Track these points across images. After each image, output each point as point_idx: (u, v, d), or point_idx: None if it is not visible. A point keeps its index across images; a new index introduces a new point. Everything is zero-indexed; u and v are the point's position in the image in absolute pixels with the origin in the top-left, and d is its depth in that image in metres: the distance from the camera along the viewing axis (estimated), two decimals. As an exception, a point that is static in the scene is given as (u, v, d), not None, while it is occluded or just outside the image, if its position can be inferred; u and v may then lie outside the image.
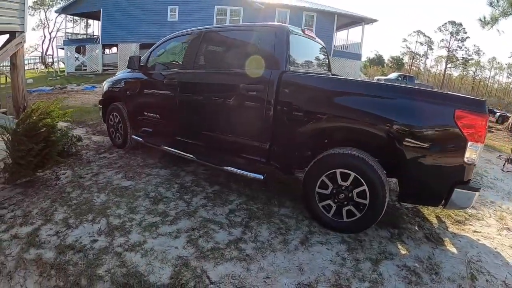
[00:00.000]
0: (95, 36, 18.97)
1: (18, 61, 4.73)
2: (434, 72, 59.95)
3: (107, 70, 18.16)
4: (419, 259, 2.37)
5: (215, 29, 3.85)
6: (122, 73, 5.03)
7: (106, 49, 19.21)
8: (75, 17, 20.15)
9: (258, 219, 2.88)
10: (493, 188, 4.32)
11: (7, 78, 6.81)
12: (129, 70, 4.43)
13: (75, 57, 18.54)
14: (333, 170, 2.53)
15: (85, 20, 20.78)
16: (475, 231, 2.94)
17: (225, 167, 3.29)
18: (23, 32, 4.48)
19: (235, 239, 2.53)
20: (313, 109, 2.71)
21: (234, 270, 2.13)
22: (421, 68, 59.42)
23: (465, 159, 2.23)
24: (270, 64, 2.89)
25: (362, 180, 2.42)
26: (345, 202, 2.55)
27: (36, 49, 35.81)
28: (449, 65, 53.85)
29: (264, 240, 2.52)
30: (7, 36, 4.32)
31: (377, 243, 2.56)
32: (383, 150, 2.47)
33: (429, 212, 3.25)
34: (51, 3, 30.48)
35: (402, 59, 57.44)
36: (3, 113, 5.29)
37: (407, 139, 2.32)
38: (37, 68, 25.67)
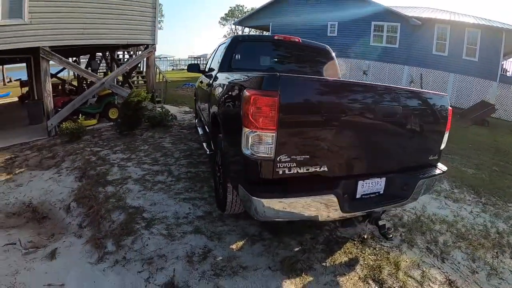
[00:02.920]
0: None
1: (150, 62, 8.63)
2: None
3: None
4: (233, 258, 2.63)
5: (224, 42, 5.40)
6: (204, 75, 7.48)
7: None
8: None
9: (192, 180, 4.33)
10: None
11: (162, 76, 11.46)
12: None
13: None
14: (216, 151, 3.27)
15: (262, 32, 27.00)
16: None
17: (203, 143, 5.03)
18: (154, 44, 8.14)
19: (161, 181, 4.23)
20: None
21: (139, 189, 3.95)
22: None
23: (243, 149, 2.04)
24: (218, 67, 4.12)
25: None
26: (220, 182, 3.10)
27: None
28: None
29: (173, 188, 4.00)
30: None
31: (229, 228, 3.08)
32: None
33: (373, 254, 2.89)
34: (239, 15, 40.92)
35: None
36: (158, 101, 9.59)
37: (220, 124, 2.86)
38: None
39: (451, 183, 4.78)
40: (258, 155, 1.99)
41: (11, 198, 3.91)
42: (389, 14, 14.62)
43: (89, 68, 13.83)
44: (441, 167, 3.00)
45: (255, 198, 1.98)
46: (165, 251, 2.70)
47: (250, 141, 1.99)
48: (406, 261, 2.80)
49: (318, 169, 2.16)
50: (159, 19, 40.36)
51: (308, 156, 2.10)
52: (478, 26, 13.45)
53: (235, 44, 4.05)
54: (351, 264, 2.69)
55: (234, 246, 2.78)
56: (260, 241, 2.87)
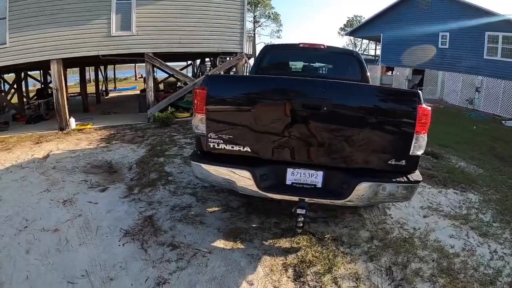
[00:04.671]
0: (376, 57, 23.78)
1: (238, 68, 10.19)
2: None
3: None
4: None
5: None
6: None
7: (390, 72, 23.36)
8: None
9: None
10: None
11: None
12: None
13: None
14: None
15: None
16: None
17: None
18: (242, 52, 9.61)
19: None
20: None
21: (179, 162, 5.31)
22: None
23: (193, 129, 2.87)
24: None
25: None
26: None
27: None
28: None
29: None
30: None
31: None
32: None
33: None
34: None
35: None
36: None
37: None
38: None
39: (498, 215, 4.02)
40: (198, 132, 2.81)
41: (99, 157, 5.83)
42: (504, 23, 12.71)
43: (199, 71, 16.91)
44: (413, 177, 2.80)
45: (192, 161, 2.91)
46: (163, 200, 3.85)
47: (195, 122, 2.82)
48: (346, 270, 2.76)
49: (241, 149, 2.77)
50: (279, 28, 44.04)
51: (232, 136, 2.75)
52: None
53: (264, 52, 4.84)
54: (288, 252, 2.96)
55: (209, 209, 3.67)
56: (231, 212, 3.63)
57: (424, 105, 2.63)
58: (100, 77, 17.14)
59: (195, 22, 8.66)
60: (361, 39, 26.16)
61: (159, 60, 8.67)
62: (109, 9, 8.05)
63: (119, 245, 2.97)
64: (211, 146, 2.81)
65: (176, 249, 2.88)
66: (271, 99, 2.77)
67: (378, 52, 22.89)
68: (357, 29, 23.58)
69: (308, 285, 2.59)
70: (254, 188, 2.72)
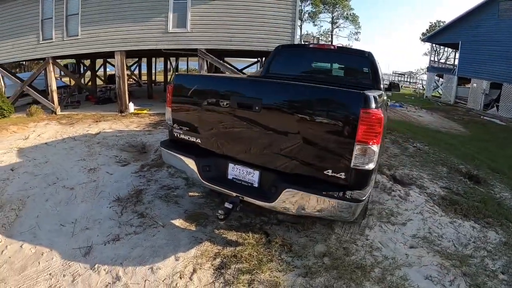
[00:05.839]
0: (454, 67, 21.56)
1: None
2: None
3: (459, 103, 20.17)
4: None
5: None
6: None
7: (469, 83, 21.16)
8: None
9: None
10: None
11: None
12: None
13: (435, 84, 22.85)
14: None
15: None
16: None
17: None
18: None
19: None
20: None
21: None
22: None
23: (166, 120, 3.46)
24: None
25: None
26: None
27: (425, 73, 44.25)
28: None
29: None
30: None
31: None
32: None
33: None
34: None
35: None
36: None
37: None
38: (415, 88, 33.03)
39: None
40: (168, 122, 3.37)
41: (138, 139, 6.94)
42: None
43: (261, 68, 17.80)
44: (352, 194, 2.52)
45: (160, 146, 3.49)
46: (160, 179, 4.64)
47: (166, 114, 3.36)
48: (269, 277, 2.75)
49: (194, 140, 3.24)
50: (357, 30, 42.30)
51: (187, 128, 3.25)
52: None
53: (275, 52, 5.12)
54: (229, 244, 3.19)
55: (190, 193, 4.29)
56: (206, 199, 4.10)
57: (373, 110, 2.36)
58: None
59: (246, 22, 9.45)
60: (443, 47, 24.19)
61: (211, 55, 9.70)
62: (167, 8, 9.38)
63: (107, 207, 3.82)
64: (175, 135, 3.37)
65: (142, 218, 3.60)
66: (214, 97, 3.07)
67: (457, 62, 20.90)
68: (435, 35, 21.86)
69: (224, 277, 2.76)
70: (198, 177, 3.08)
